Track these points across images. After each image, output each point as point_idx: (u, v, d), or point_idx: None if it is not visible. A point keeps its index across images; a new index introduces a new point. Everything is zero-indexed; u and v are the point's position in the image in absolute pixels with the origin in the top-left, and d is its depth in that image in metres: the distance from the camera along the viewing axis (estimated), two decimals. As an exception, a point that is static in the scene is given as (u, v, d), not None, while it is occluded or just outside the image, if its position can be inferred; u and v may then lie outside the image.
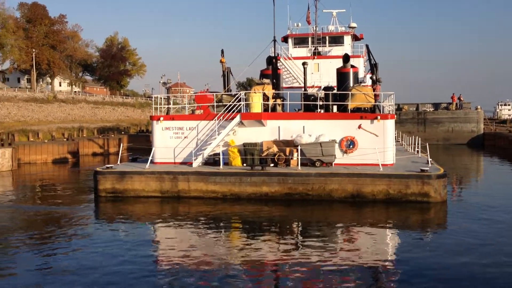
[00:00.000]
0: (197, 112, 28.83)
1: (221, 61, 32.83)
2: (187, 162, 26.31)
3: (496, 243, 16.00)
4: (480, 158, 48.55)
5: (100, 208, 23.09)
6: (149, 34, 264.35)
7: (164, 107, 28.62)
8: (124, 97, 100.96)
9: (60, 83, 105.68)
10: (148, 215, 21.21)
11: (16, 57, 76.00)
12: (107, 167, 25.48)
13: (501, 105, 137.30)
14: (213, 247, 15.74)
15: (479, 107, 66.05)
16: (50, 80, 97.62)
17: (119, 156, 27.98)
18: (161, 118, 27.12)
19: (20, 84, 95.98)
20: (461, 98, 65.29)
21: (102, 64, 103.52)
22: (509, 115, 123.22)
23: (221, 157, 24.97)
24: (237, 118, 25.80)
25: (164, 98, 29.40)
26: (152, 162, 26.06)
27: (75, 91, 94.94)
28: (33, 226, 19.22)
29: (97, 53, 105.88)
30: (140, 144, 48.99)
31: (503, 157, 46.79)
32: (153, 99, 29.97)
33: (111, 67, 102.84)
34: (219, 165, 24.89)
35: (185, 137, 26.88)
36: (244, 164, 25.03)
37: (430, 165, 24.81)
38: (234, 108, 26.18)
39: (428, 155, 26.08)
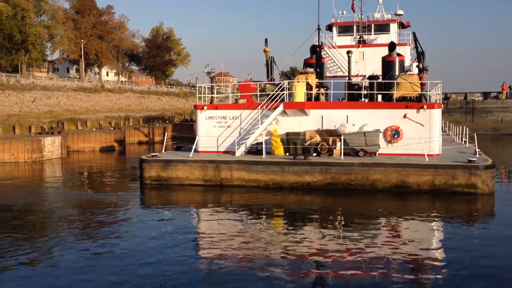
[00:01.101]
0: (240, 101, 29.00)
1: (264, 50, 32.82)
2: (230, 151, 26.55)
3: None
4: (532, 149, 46.79)
5: (145, 195, 23.64)
6: (194, 24, 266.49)
7: (207, 97, 28.92)
8: (169, 86, 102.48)
9: (107, 73, 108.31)
10: (191, 203, 21.58)
11: (65, 47, 78.21)
12: (152, 155, 26.02)
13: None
14: (254, 236, 15.88)
15: (531, 96, 63.58)
16: (97, 70, 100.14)
17: (164, 145, 28.52)
18: (205, 107, 27.41)
19: (69, 74, 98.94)
20: (512, 87, 63.02)
21: (147, 54, 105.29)
22: None
23: (263, 146, 25.04)
24: (280, 107, 25.79)
25: (207, 87, 29.70)
26: (195, 150, 26.41)
27: (122, 81, 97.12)
28: (81, 212, 19.90)
29: (143, 43, 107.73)
30: (184, 133, 49.70)
31: (556, 148, 44.96)
32: (197, 89, 30.30)
33: (157, 57, 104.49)
34: (262, 154, 24.99)
35: (228, 126, 27.09)
36: (287, 154, 25.03)
37: (477, 155, 24.14)
38: (277, 97, 26.17)
39: (476, 146, 25.38)
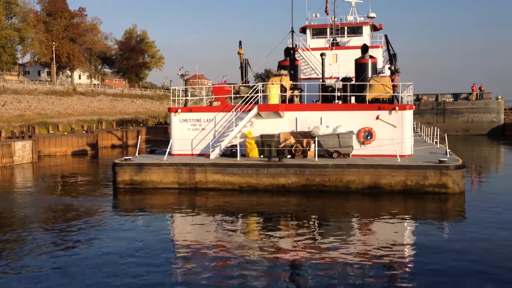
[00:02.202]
0: (215, 103, 28.93)
1: (239, 53, 32.82)
2: (204, 154, 26.46)
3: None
4: (500, 149, 47.90)
5: (118, 200, 23.38)
6: (168, 26, 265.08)
7: (182, 99, 28.77)
8: (143, 89, 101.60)
9: (79, 76, 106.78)
10: (165, 206, 21.43)
11: (36, 50, 76.82)
12: (125, 159, 25.76)
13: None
14: (230, 239, 15.85)
15: (500, 97, 65.09)
16: (69, 73, 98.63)
17: (137, 148, 28.26)
18: (179, 110, 27.27)
19: (40, 77, 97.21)
20: (482, 88, 64.42)
21: (121, 56, 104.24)
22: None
23: (238, 148, 25.04)
24: (255, 110, 25.83)
25: (182, 90, 29.55)
26: (170, 154, 26.23)
27: (94, 84, 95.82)
28: (52, 218, 19.56)
29: (116, 46, 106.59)
30: (159, 136, 49.39)
31: (524, 148, 46.09)
32: (171, 91, 30.12)
33: (130, 59, 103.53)
34: (237, 156, 24.97)
35: (202, 129, 27.00)
36: (261, 156, 25.07)
37: (448, 156, 24.57)
38: (252, 100, 26.20)
39: (447, 146, 25.84)
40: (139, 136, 29.99)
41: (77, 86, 79.06)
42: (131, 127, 59.76)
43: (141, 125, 65.46)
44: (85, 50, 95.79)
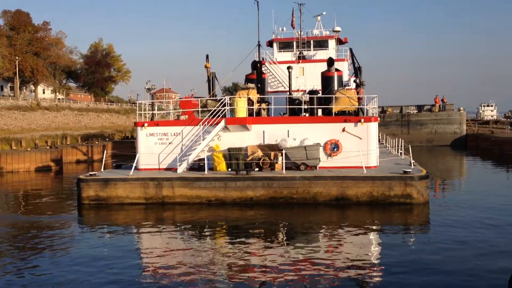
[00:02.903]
0: (182, 117, 28.78)
1: (206, 66, 32.81)
2: (171, 168, 26.25)
3: (476, 243, 16.18)
4: (463, 159, 49.09)
5: (83, 216, 22.89)
6: (134, 40, 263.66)
7: (148, 113, 28.55)
8: (109, 103, 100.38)
9: (43, 90, 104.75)
10: (132, 222, 21.10)
11: (-1, 65, 75.28)
12: (90, 174, 25.31)
13: (484, 106, 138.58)
14: (198, 253, 15.71)
15: (462, 108, 66.87)
16: (33, 88, 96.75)
17: (103, 163, 27.80)
18: (146, 124, 27.03)
19: (3, 92, 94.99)
20: (444, 100, 66.05)
21: (86, 70, 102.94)
22: (492, 116, 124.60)
23: (206, 162, 24.94)
24: (222, 123, 25.83)
25: (148, 104, 29.33)
26: (136, 168, 25.91)
27: (59, 98, 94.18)
28: (15, 236, 19.01)
29: (81, 60, 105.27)
30: (125, 150, 48.73)
31: (485, 158, 47.40)
32: (137, 105, 29.85)
33: (96, 73, 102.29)
34: (204, 170, 24.86)
35: (169, 143, 26.81)
36: (229, 169, 25.02)
37: (412, 166, 25.04)
38: (219, 113, 26.19)
39: (411, 157, 26.32)
40: (105, 151, 29.52)
41: (41, 101, 77.57)
42: (97, 142, 58.83)
43: (107, 139, 64.49)
44: (49, 65, 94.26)
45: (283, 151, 24.51)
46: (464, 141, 62.23)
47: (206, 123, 26.05)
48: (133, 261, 15.26)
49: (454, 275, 13.04)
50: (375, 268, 14.01)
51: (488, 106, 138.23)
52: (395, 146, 34.33)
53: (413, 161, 26.17)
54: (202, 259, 14.94)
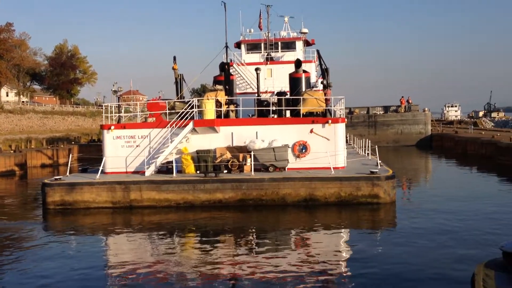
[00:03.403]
0: (150, 120, 28.50)
1: (173, 68, 32.54)
2: (139, 171, 25.95)
3: (441, 240, 16.52)
4: (428, 159, 50.11)
5: (48, 222, 22.41)
6: (101, 41, 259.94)
7: (115, 116, 28.15)
8: (75, 106, 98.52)
9: (7, 93, 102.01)
10: (99, 227, 20.75)
11: (-41, 67, 73.06)
12: (56, 179, 24.78)
13: (448, 106, 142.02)
14: (167, 257, 15.56)
15: (426, 109, 68.28)
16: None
17: (68, 167, 27.28)
18: (112, 127, 26.65)
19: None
20: (410, 101, 67.28)
21: (51, 72, 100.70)
22: (456, 116, 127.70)
23: (174, 165, 24.75)
24: (190, 125, 25.68)
25: (115, 106, 28.93)
26: (103, 172, 25.52)
27: (23, 101, 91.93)
28: (-22, 242, 18.45)
29: (46, 62, 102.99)
30: (91, 154, 47.97)
31: (449, 157, 48.49)
32: (103, 108, 29.42)
33: (61, 75, 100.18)
34: (173, 173, 24.66)
35: (137, 146, 26.51)
36: (198, 171, 24.91)
37: (379, 167, 25.40)
38: (187, 115, 26.04)
39: (378, 157, 26.70)
40: (71, 155, 29.01)
41: (4, 104, 75.56)
42: (62, 145, 57.60)
43: (73, 143, 63.32)
44: (13, 67, 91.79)
45: (252, 153, 24.53)
46: (429, 141, 63.49)
47: (174, 125, 25.86)
48: (100, 266, 15.01)
49: (420, 272, 13.29)
50: (344, 266, 14.16)
51: (452, 106, 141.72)
52: (362, 147, 34.76)
53: (380, 162, 26.55)
54: (170, 263, 14.80)
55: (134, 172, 26.17)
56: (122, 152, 26.41)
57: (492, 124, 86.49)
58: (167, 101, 28.42)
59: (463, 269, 13.06)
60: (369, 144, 32.78)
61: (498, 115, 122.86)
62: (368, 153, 32.17)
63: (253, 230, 19.42)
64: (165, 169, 25.68)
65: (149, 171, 25.25)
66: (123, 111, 30.91)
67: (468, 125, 75.56)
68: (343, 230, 18.80)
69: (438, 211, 21.35)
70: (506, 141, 39.80)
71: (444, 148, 57.94)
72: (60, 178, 24.87)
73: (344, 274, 13.53)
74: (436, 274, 13.07)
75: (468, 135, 54.63)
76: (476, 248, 15.37)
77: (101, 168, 25.39)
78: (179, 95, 31.78)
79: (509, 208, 21.78)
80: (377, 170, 23.52)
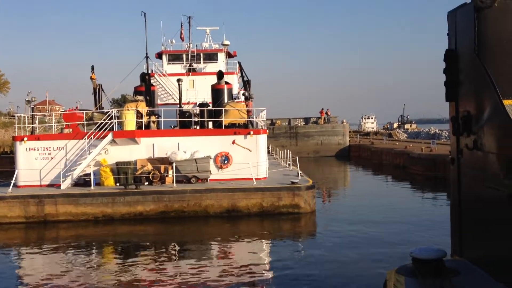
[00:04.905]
0: (66, 131, 27.44)
1: (91, 78, 31.65)
2: (55, 184, 24.87)
3: (358, 247, 17.14)
4: (347, 169, 51.90)
5: (-46, 239, 20.88)
6: (14, 50, 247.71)
7: (28, 127, 26.85)
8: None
9: None
10: (11, 243, 19.62)
11: None
12: (-38, 193, 23.17)
13: (365, 118, 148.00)
14: (84, 273, 14.96)
15: (345, 120, 70.74)
16: None
17: (-23, 181, 25.63)
18: (25, 139, 25.39)
19: None
20: (329, 113, 69.45)
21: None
22: (372, 128, 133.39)
23: (92, 177, 23.96)
24: (109, 137, 25.00)
25: (28, 116, 27.62)
26: (15, 185, 24.22)
27: None
28: None
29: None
30: (3, 166, 45.39)
31: (366, 167, 50.50)
32: (16, 119, 27.99)
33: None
34: (90, 185, 23.85)
35: (52, 158, 25.41)
36: (117, 184, 24.27)
37: (300, 177, 25.97)
38: (106, 126, 25.34)
39: (298, 168, 27.30)
40: (-21, 168, 27.25)
41: None
42: (-29, 158, 54.07)
43: (-17, 155, 59.60)
44: None
45: (174, 164, 24.28)
46: (347, 151, 65.73)
47: (92, 136, 25.07)
48: (12, 286, 14.16)
49: (337, 279, 13.70)
50: (265, 274, 14.30)
51: (368, 118, 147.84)
52: (284, 158, 35.40)
53: (301, 172, 27.16)
54: (88, 280, 14.25)
55: (49, 185, 25.05)
56: (36, 164, 25.21)
57: (406, 135, 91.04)
58: (84, 111, 27.54)
59: (377, 275, 13.59)
60: (291, 154, 33.46)
61: (411, 126, 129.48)
62: (289, 164, 32.80)
63: (175, 242, 19.16)
64: (83, 181, 24.79)
65: (65, 184, 24.28)
66: (37, 121, 29.57)
67: (383, 136, 79.15)
68: (265, 240, 19.01)
69: (356, 220, 22.12)
70: (418, 151, 42.08)
71: (361, 158, 60.22)
72: (-34, 193, 23.27)
73: (266, 283, 13.67)
74: (352, 281, 13.52)
75: (383, 146, 57.18)
76: (390, 255, 16.06)
77: (13, 181, 24.11)
78: (98, 106, 30.91)
79: (420, 216, 22.98)
80: (297, 181, 24.04)
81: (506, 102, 6.80)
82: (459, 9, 7.95)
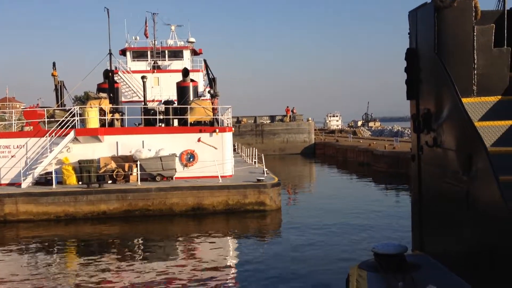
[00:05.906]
0: (27, 128, 26.76)
1: (53, 75, 30.94)
2: (15, 183, 24.24)
3: (322, 243, 17.34)
4: (312, 166, 52.35)
5: None
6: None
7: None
8: None
9: None
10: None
11: None
12: None
13: (330, 116, 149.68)
14: (45, 275, 14.62)
15: (310, 118, 71.36)
16: None
17: None
18: (-17, 136, 24.66)
19: None
20: (294, 111, 69.90)
21: None
22: (337, 126, 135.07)
23: (53, 176, 23.45)
24: (71, 134, 24.52)
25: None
26: (-28, 185, 23.50)
27: None
28: None
29: None
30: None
31: (331, 164, 51.09)
32: (-27, 115, 27.16)
33: None
34: (52, 184, 23.34)
35: (12, 156, 24.76)
36: (80, 182, 23.84)
37: (265, 174, 26.07)
38: (68, 124, 24.84)
39: (264, 165, 27.40)
40: None
41: None
42: None
43: None
44: None
45: (138, 162, 24.00)
46: (313, 149, 66.32)
47: (53, 134, 24.53)
48: (-32, 288, 13.74)
49: (301, 275, 13.83)
50: (231, 271, 14.32)
51: (333, 116, 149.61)
52: (250, 155, 35.44)
53: (266, 170, 27.25)
54: (49, 282, 13.94)
55: (9, 184, 24.40)
56: (-5, 163, 24.50)
57: (370, 133, 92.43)
58: (45, 109, 26.92)
59: (340, 271, 13.78)
60: (256, 152, 33.53)
61: (374, 124, 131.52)
62: (255, 162, 32.86)
63: (140, 241, 18.95)
64: (44, 180, 24.24)
65: (26, 183, 23.69)
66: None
67: (348, 134, 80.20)
68: (230, 238, 19.02)
69: (320, 217, 22.36)
70: (381, 149, 42.81)
71: (326, 156, 60.87)
72: None
73: (231, 280, 13.67)
74: (316, 277, 13.68)
75: (348, 143, 57.94)
76: (353, 250, 16.31)
77: (-30, 180, 23.36)
78: (60, 103, 30.26)
79: (383, 212, 23.40)
80: (263, 178, 24.12)
81: (464, 100, 6.97)
82: (420, 8, 8.10)
